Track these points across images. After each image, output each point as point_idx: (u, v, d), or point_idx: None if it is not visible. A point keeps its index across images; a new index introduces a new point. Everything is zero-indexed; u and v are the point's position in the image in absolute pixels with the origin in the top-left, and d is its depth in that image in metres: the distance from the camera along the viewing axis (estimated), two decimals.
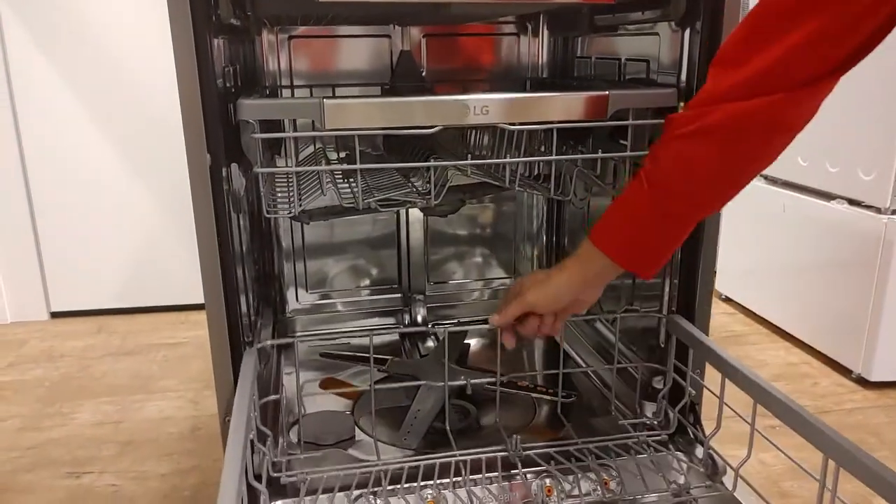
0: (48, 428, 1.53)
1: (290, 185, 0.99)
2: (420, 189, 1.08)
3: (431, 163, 0.99)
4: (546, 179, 1.13)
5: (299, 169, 1.00)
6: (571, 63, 1.43)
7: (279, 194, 1.06)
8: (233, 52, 1.17)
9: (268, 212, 1.00)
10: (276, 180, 1.10)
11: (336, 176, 1.14)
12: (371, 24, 1.41)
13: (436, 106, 0.92)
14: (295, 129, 0.96)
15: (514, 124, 0.94)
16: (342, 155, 1.37)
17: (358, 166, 0.93)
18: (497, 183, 1.12)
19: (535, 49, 1.50)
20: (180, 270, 2.13)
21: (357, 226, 1.54)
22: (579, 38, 1.39)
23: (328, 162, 1.31)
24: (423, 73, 1.44)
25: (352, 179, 1.07)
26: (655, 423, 1.10)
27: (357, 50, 1.43)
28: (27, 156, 2.04)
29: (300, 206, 0.98)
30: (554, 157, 1.00)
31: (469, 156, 1.07)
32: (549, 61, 1.50)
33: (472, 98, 0.91)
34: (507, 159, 1.02)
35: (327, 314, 1.56)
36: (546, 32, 1.49)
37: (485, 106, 0.91)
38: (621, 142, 1.02)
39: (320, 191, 1.03)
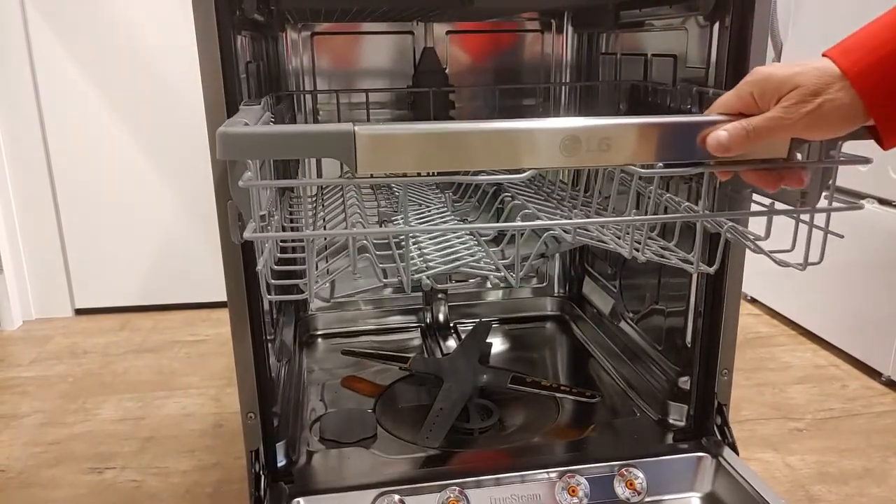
0: (71, 424, 1.54)
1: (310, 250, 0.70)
2: (495, 258, 0.77)
3: (518, 223, 0.69)
4: (664, 234, 0.86)
5: (317, 233, 0.68)
6: (596, 60, 1.42)
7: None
8: (256, 49, 1.17)
9: (268, 290, 0.68)
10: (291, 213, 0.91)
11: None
12: (394, 21, 1.40)
13: (524, 137, 0.60)
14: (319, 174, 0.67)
15: (645, 166, 0.63)
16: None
17: (407, 228, 0.65)
18: (609, 247, 0.78)
19: (559, 45, 1.48)
20: (204, 268, 2.14)
21: None
22: (604, 35, 1.38)
23: (360, 194, 0.96)
24: (447, 70, 1.43)
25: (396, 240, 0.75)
26: (681, 424, 1.09)
27: (380, 47, 1.43)
28: (52, 153, 2.05)
29: (327, 289, 0.68)
30: (703, 213, 0.68)
31: (572, 210, 0.72)
32: (574, 58, 1.49)
33: (582, 126, 0.60)
34: (634, 217, 0.68)
35: (349, 312, 1.56)
36: (570, 29, 1.48)
37: (605, 138, 0.60)
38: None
39: (350, 267, 0.74)
